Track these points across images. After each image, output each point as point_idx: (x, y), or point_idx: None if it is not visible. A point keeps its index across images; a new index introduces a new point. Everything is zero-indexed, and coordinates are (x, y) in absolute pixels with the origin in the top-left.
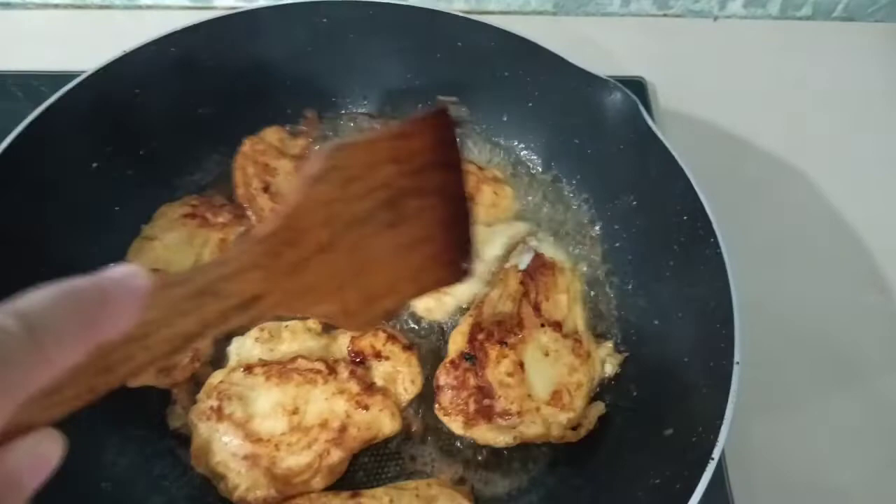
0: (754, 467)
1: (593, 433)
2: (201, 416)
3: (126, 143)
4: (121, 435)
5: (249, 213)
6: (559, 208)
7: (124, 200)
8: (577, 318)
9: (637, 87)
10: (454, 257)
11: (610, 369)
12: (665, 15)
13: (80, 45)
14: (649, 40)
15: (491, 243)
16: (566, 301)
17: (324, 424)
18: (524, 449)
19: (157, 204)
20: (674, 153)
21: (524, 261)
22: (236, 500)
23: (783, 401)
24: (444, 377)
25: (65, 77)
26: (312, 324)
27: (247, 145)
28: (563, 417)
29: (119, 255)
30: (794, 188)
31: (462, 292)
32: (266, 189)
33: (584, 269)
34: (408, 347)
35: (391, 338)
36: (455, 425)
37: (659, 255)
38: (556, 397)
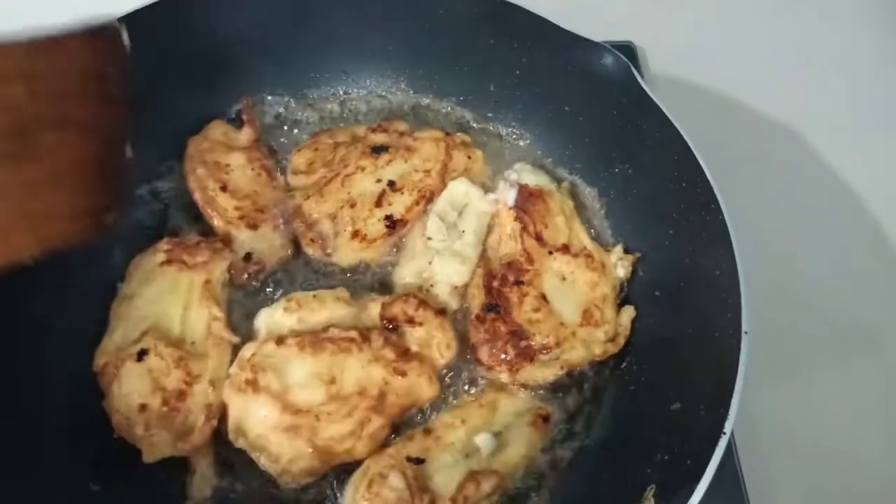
0: (762, 438)
1: (596, 414)
2: (236, 390)
3: None
4: None
5: (212, 214)
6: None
7: None
8: (580, 234)
9: (626, 51)
10: (92, 206)
11: (622, 272)
12: None
13: None
14: (638, 3)
15: (432, 217)
16: (564, 221)
17: (362, 392)
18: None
19: None
20: (670, 117)
21: (510, 197)
22: (279, 472)
23: (787, 370)
24: (475, 333)
25: None
26: (340, 292)
27: (190, 146)
28: (600, 333)
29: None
30: (791, 153)
31: (448, 275)
32: (224, 188)
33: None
34: (440, 312)
35: (423, 303)
36: (502, 375)
37: (657, 224)
38: (586, 316)
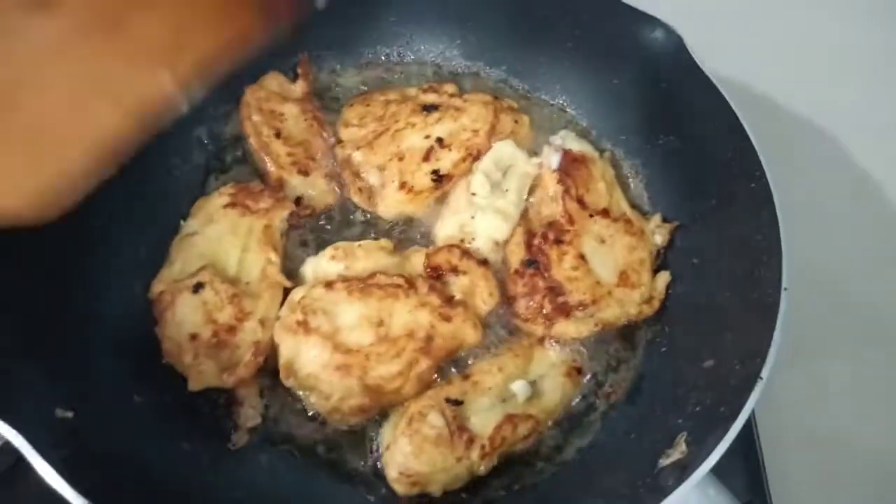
0: (783, 422)
1: (628, 370)
2: (288, 330)
3: None
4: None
5: (266, 159)
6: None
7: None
8: (620, 201)
9: None
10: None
11: (660, 239)
12: None
13: None
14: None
15: (477, 174)
16: (605, 188)
17: (410, 335)
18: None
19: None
20: (720, 88)
21: (554, 161)
22: (329, 411)
23: (811, 356)
24: (513, 287)
25: None
26: (384, 242)
27: (247, 94)
28: (636, 294)
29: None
30: (825, 148)
31: (490, 230)
32: (278, 135)
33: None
34: (483, 262)
35: (466, 254)
36: (537, 328)
37: (698, 194)
38: (623, 278)
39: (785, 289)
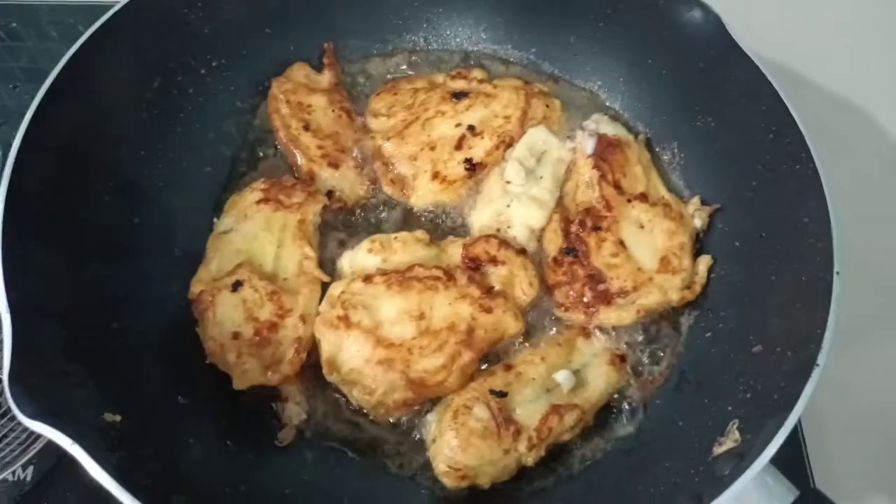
0: (825, 407)
1: (672, 357)
2: (329, 326)
3: (183, 62)
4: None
5: (296, 152)
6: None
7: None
8: (658, 184)
9: None
10: None
11: (699, 223)
12: None
13: None
14: None
15: (511, 162)
16: (641, 171)
17: (452, 327)
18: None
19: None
20: (762, 67)
21: (589, 146)
22: (373, 406)
23: (853, 337)
24: (552, 276)
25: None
26: (420, 234)
27: (274, 86)
28: (677, 279)
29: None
30: (863, 128)
31: (526, 218)
32: (307, 127)
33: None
34: (521, 252)
35: (504, 243)
36: (578, 316)
37: (739, 176)
38: (664, 263)
39: (837, 273)
